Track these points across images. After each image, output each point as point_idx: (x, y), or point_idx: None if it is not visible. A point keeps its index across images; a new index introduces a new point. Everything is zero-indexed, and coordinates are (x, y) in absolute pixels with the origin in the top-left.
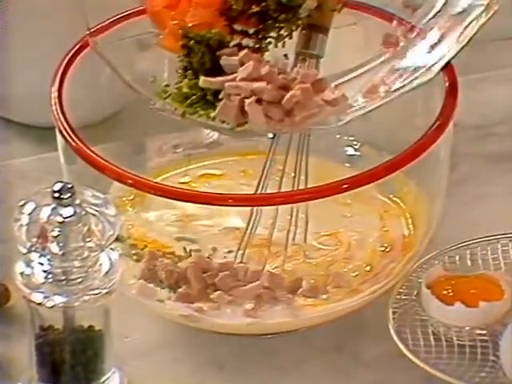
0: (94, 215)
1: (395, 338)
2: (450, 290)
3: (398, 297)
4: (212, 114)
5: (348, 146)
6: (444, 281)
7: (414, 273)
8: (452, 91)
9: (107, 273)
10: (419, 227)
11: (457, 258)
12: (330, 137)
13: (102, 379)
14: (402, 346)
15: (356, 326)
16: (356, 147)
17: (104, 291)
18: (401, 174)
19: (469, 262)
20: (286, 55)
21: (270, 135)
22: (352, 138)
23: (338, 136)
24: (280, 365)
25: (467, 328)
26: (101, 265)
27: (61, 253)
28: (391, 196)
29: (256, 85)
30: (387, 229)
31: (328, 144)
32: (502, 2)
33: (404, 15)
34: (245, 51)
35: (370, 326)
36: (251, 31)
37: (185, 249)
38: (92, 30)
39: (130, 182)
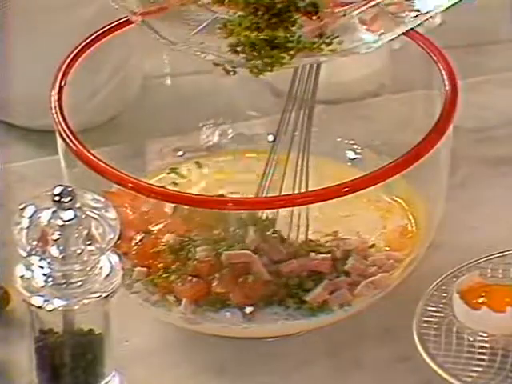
0: (94, 218)
1: (418, 344)
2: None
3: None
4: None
5: (349, 149)
6: (478, 288)
7: (449, 278)
8: (452, 94)
9: (107, 276)
10: (420, 230)
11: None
12: (330, 140)
13: (102, 383)
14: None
15: (356, 329)
16: (356, 151)
17: (104, 295)
18: (401, 177)
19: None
20: None
21: (271, 138)
22: (352, 142)
23: (338, 139)
24: (280, 368)
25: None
26: (101, 268)
27: (61, 256)
28: (394, 197)
29: None
30: (388, 229)
31: (329, 147)
32: (501, 4)
33: None
34: None
35: (370, 329)
36: None
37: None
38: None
39: (130, 185)
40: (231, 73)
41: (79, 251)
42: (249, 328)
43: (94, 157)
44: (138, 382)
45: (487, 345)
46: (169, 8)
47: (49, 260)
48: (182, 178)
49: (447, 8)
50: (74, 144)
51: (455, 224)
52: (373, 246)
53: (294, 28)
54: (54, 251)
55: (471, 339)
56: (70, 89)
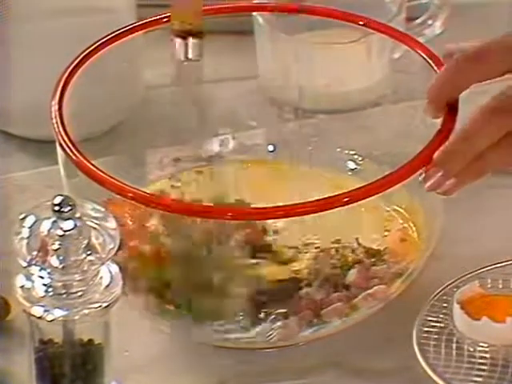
0: (94, 228)
1: (419, 355)
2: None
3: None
4: None
5: (349, 159)
6: (478, 298)
7: (450, 288)
8: (453, 104)
9: (107, 286)
10: (421, 239)
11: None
12: (330, 150)
13: None
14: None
15: (356, 339)
16: (357, 161)
17: (104, 305)
18: (401, 186)
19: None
20: None
21: (271, 148)
22: (353, 152)
23: (338, 149)
24: (280, 378)
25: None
26: (101, 278)
27: (61, 266)
28: (395, 206)
29: None
30: (388, 239)
31: (329, 157)
32: (501, 13)
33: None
34: None
35: (370, 339)
36: None
37: None
38: None
39: (130, 195)
40: None
41: (79, 261)
42: (249, 339)
43: (94, 167)
44: None
45: (487, 355)
46: None
47: (49, 270)
48: (181, 188)
49: None
50: (74, 154)
51: (455, 234)
52: (373, 255)
53: None
54: (54, 261)
55: (471, 349)
56: (71, 98)
